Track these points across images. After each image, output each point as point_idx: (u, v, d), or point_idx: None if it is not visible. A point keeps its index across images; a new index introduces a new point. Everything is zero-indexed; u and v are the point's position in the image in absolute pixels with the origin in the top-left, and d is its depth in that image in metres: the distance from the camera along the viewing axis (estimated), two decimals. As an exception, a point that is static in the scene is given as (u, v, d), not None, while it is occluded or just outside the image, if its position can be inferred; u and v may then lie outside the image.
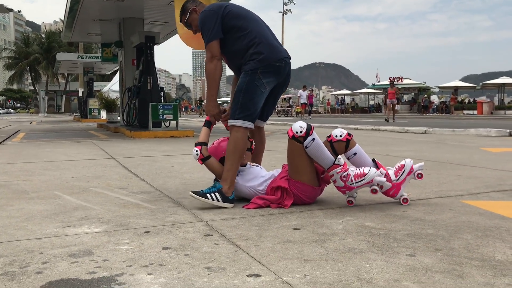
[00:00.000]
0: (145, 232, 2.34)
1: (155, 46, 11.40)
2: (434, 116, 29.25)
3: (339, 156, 2.86)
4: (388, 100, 18.73)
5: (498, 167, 4.49)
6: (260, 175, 3.02)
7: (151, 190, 3.54)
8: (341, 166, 2.80)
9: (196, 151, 2.95)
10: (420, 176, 2.91)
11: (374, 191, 2.79)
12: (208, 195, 2.85)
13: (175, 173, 4.41)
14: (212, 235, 2.27)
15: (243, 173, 3.02)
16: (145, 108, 10.67)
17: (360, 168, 2.85)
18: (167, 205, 3.01)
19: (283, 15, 46.64)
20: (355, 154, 2.99)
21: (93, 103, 23.84)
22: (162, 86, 11.87)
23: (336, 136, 2.94)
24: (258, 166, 3.12)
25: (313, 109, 26.30)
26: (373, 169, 2.80)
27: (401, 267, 1.78)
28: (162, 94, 11.49)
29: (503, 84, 38.34)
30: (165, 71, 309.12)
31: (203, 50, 3.47)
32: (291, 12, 48.16)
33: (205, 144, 3.00)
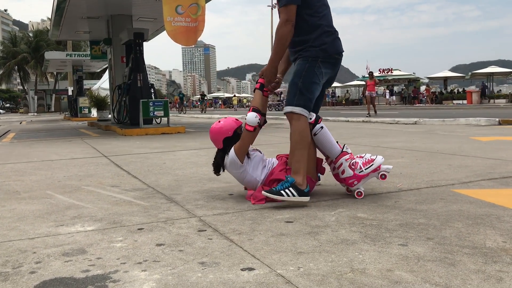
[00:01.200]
0: (139, 229, 2.34)
1: (144, 43, 11.34)
2: (424, 106, 29.38)
3: (346, 145, 2.94)
4: (367, 92, 17.47)
5: (487, 156, 4.53)
6: (261, 164, 3.00)
7: (143, 187, 3.54)
8: (349, 154, 2.86)
9: (259, 119, 2.82)
10: (383, 177, 2.87)
11: (383, 177, 2.85)
12: (282, 192, 2.69)
13: (167, 170, 4.41)
14: (205, 230, 2.28)
15: (249, 162, 2.97)
16: (136, 105, 10.62)
17: (364, 155, 2.90)
18: (160, 201, 3.01)
19: (272, 9, 46.40)
20: (322, 128, 2.93)
21: (83, 101, 23.71)
22: (152, 82, 11.82)
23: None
24: (258, 151, 3.09)
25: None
26: (379, 156, 2.87)
27: (393, 256, 1.80)
28: (152, 91, 11.46)
29: (492, 74, 38.61)
30: (155, 67, 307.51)
31: (192, 46, 3.39)
32: (280, 6, 47.94)
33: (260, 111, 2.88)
